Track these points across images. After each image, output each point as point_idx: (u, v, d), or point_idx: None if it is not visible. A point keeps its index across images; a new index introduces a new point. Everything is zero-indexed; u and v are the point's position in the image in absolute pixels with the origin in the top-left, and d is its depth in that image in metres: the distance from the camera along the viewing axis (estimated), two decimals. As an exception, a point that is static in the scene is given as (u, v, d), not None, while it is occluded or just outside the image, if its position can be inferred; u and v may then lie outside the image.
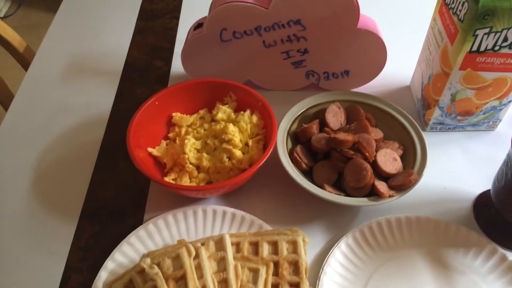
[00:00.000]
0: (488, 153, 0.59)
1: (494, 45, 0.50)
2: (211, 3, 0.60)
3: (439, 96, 0.57)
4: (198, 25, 0.62)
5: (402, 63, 0.68)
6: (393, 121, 0.57)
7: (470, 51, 0.51)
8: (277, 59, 0.63)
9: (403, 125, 0.56)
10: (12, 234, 0.52)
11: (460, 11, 0.50)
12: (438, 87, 0.56)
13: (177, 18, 0.82)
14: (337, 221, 0.52)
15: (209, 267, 0.45)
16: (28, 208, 0.54)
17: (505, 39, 0.49)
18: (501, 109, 0.58)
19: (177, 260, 0.44)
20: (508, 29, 0.48)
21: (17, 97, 0.69)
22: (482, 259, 0.48)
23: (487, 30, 0.49)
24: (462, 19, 0.50)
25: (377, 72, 0.64)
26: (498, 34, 0.49)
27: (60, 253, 0.50)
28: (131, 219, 0.53)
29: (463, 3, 0.49)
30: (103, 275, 0.48)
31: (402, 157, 0.54)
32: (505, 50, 0.50)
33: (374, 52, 0.62)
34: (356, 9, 0.57)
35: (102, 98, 0.68)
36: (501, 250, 0.48)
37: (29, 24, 2.11)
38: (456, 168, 0.58)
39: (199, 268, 0.45)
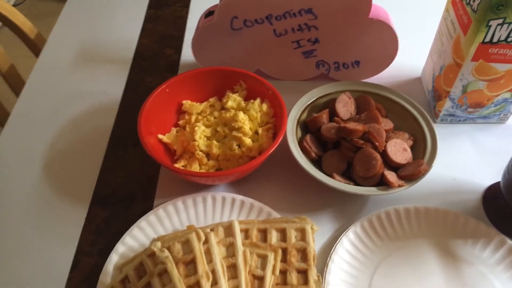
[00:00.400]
0: (499, 146, 0.59)
1: (508, 36, 0.50)
2: (223, -9, 0.60)
3: (450, 87, 0.56)
4: (209, 13, 0.62)
5: (413, 55, 0.68)
6: (403, 112, 0.57)
7: (483, 42, 0.50)
8: (287, 48, 0.63)
9: (413, 116, 0.56)
10: (25, 218, 0.53)
11: (473, 1, 0.49)
12: (449, 78, 0.56)
13: (187, 6, 0.82)
14: (345, 210, 0.53)
15: (218, 252, 0.45)
16: (40, 193, 0.55)
17: (519, 30, 0.49)
18: (512, 102, 0.58)
19: (187, 244, 0.45)
20: (522, 20, 0.48)
21: (28, 83, 0.69)
22: (490, 251, 0.48)
23: (500, 21, 0.48)
24: (475, 9, 0.49)
25: (388, 62, 0.64)
26: (511, 25, 0.48)
27: (71, 237, 0.51)
28: (141, 205, 0.54)
29: (477, -7, 0.49)
30: (114, 258, 0.48)
31: (412, 148, 0.54)
32: (519, 41, 0.50)
33: (385, 42, 0.61)
34: (368, -2, 0.56)
35: (113, 86, 0.68)
36: (510, 242, 0.48)
37: (38, 13, 2.11)
38: (466, 160, 0.58)
39: (208, 253, 0.45)
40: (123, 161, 0.58)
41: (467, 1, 0.51)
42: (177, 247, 0.45)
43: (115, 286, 0.45)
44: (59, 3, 0.76)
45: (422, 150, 0.53)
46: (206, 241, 0.46)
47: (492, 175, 0.55)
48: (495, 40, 0.50)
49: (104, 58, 0.73)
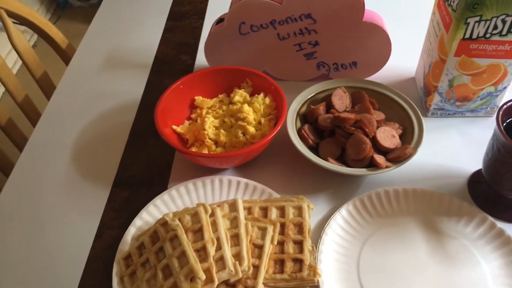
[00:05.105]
0: (485, 137, 0.62)
1: (485, 32, 0.55)
2: (232, 0, 0.67)
3: (437, 82, 0.62)
4: (220, 20, 0.69)
5: (408, 56, 0.73)
6: (394, 105, 0.62)
7: (464, 39, 0.56)
8: (290, 51, 0.70)
9: (402, 107, 0.61)
10: (57, 197, 0.60)
11: (453, 1, 0.55)
12: (436, 74, 0.61)
13: (203, 18, 0.90)
14: (339, 192, 0.58)
15: (223, 224, 0.51)
16: (69, 177, 0.62)
17: (495, 27, 0.54)
18: (497, 95, 0.62)
19: (196, 216, 0.51)
20: (497, 17, 0.53)
21: (59, 86, 0.78)
22: (473, 227, 0.53)
23: (477, 18, 0.54)
24: (455, 9, 0.55)
25: (383, 63, 0.70)
26: (488, 22, 0.54)
27: (95, 213, 0.58)
28: (157, 187, 0.60)
29: (456, -6, 0.54)
30: (131, 230, 0.55)
31: (401, 136, 0.59)
32: (496, 38, 0.55)
33: (379, 44, 0.67)
34: (361, 3, 0.63)
35: (134, 87, 0.76)
36: (491, 219, 0.52)
37: (68, 35, 2.25)
38: (454, 149, 0.62)
39: (214, 224, 0.51)
40: (141, 151, 0.65)
41: (448, 2, 0.57)
42: (187, 218, 0.51)
43: (132, 252, 0.52)
44: (88, 25, 0.86)
45: (410, 137, 0.58)
46: (213, 215, 0.52)
47: (478, 163, 0.59)
48: (474, 36, 0.55)
49: (127, 63, 0.81)
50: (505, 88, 0.61)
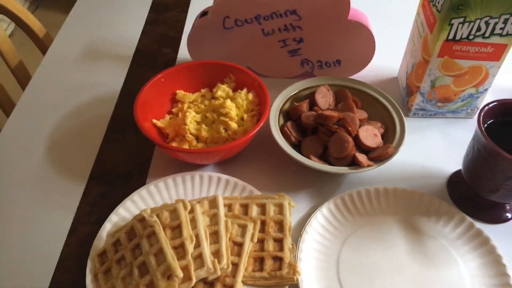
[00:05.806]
0: (466, 138, 0.63)
1: (469, 34, 0.55)
2: (216, -7, 0.66)
3: (420, 82, 0.62)
4: (204, 13, 0.68)
5: (391, 56, 0.73)
6: (376, 103, 0.62)
7: (447, 40, 0.56)
8: (274, 47, 0.69)
9: (385, 106, 0.61)
10: (30, 191, 0.58)
11: (438, 2, 0.55)
12: (419, 74, 0.61)
13: (186, 11, 0.88)
14: (321, 190, 0.57)
15: (202, 220, 0.50)
16: (43, 170, 0.60)
17: (479, 29, 0.54)
18: (478, 97, 0.63)
19: (174, 212, 0.50)
20: (481, 19, 0.53)
21: (35, 76, 0.75)
22: (451, 227, 0.53)
23: (461, 20, 0.54)
24: (439, 9, 0.55)
25: (366, 62, 0.70)
26: (472, 24, 0.54)
27: (69, 208, 0.56)
28: (135, 182, 0.59)
29: (441, -5, 0.55)
30: (107, 227, 0.53)
31: (383, 136, 0.59)
32: (479, 40, 0.56)
33: (363, 43, 0.67)
34: (346, 1, 0.62)
35: (114, 79, 0.74)
36: (469, 219, 0.53)
37: (47, 25, 2.19)
38: (435, 150, 0.63)
39: (193, 220, 0.50)
40: (119, 144, 0.63)
41: (433, 3, 0.57)
42: (165, 214, 0.50)
43: (108, 248, 0.50)
44: (67, 15, 0.84)
45: (392, 137, 0.57)
46: (192, 211, 0.51)
47: (457, 164, 0.60)
48: (458, 37, 0.56)
49: (107, 55, 0.79)
50: (486, 90, 0.62)
